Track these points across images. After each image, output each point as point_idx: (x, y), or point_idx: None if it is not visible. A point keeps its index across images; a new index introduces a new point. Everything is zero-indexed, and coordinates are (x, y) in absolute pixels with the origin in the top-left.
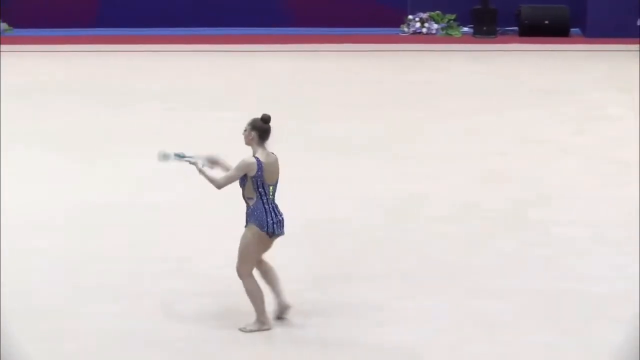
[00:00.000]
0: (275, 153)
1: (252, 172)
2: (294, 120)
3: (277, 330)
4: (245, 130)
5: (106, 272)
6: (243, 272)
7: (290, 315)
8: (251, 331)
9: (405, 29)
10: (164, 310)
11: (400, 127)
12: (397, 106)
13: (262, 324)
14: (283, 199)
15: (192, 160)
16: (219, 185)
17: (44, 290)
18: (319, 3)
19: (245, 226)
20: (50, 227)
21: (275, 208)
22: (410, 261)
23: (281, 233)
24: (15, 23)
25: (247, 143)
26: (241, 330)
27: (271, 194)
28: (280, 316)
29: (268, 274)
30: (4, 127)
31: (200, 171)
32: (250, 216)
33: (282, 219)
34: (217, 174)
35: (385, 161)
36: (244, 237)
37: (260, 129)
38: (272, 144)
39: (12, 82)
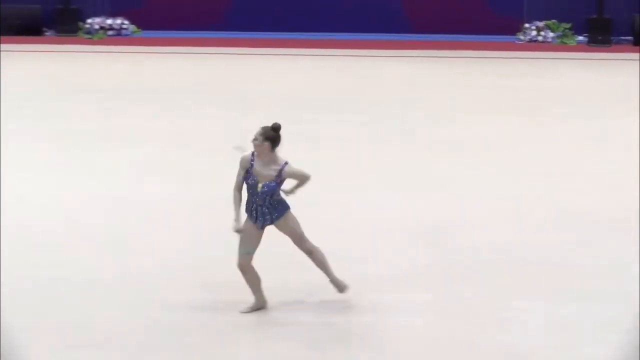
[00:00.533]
0: (288, 161)
1: (247, 166)
2: (407, 123)
3: None
4: (256, 140)
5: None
6: (309, 244)
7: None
8: (248, 312)
9: (522, 37)
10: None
11: (513, 132)
12: (510, 111)
13: (258, 303)
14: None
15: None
16: (235, 197)
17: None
18: (435, 10)
19: (277, 219)
20: (170, 222)
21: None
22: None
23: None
24: (143, 25)
25: (259, 152)
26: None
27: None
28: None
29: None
30: (139, 127)
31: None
32: (280, 207)
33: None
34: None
35: (500, 165)
36: (292, 223)
37: (272, 139)
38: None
39: (141, 83)
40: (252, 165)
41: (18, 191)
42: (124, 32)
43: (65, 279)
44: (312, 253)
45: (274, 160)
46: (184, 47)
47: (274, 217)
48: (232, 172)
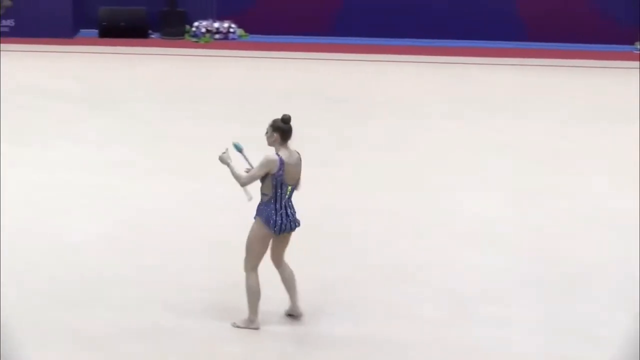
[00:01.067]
0: (299, 152)
1: (274, 170)
2: (518, 129)
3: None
4: (267, 132)
5: None
6: (246, 265)
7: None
8: (238, 327)
9: (639, 46)
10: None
11: (623, 142)
12: (625, 121)
13: (251, 322)
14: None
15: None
16: (243, 182)
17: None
18: (551, 18)
19: (254, 218)
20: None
21: (288, 208)
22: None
23: (291, 229)
24: (251, 29)
25: (270, 144)
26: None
27: (288, 193)
28: (291, 313)
29: (287, 280)
30: (241, 132)
31: (230, 166)
32: (261, 211)
33: (294, 217)
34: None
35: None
36: (251, 230)
37: (281, 130)
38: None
39: (246, 88)
40: (281, 167)
41: (122, 193)
42: (231, 36)
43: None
44: (244, 270)
45: (287, 153)
46: (292, 52)
47: (255, 214)
48: (345, 181)
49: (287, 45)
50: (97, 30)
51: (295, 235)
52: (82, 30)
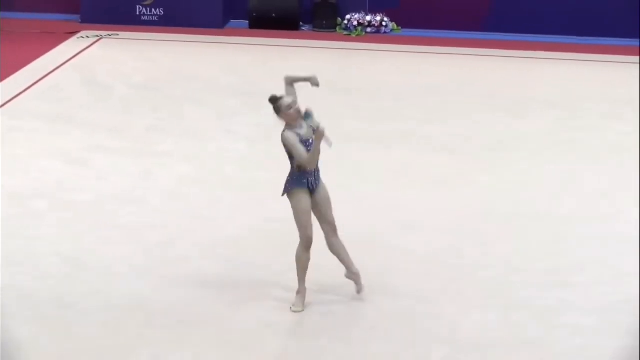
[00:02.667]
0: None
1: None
2: None
3: None
4: (295, 104)
5: None
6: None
7: None
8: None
9: None
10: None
11: None
12: None
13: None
14: None
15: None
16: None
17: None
18: None
19: (319, 185)
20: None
21: None
22: None
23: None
24: (403, 23)
25: (297, 117)
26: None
27: None
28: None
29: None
30: (396, 129)
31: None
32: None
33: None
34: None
35: None
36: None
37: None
38: None
39: (399, 83)
40: (299, 135)
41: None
42: (383, 29)
43: None
44: (337, 237)
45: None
46: (443, 47)
47: (317, 183)
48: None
49: (439, 40)
50: (247, 21)
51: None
52: (232, 21)
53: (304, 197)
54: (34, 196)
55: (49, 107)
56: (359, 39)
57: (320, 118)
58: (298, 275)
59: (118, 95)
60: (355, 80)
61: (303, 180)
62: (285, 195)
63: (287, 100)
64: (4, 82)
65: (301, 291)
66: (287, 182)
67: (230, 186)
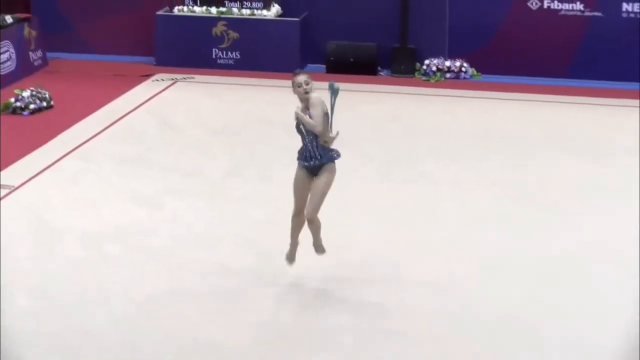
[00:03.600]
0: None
1: (325, 108)
2: None
3: None
4: (308, 84)
5: None
6: (316, 215)
7: None
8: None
9: None
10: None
11: None
12: None
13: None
14: None
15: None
16: (320, 130)
17: None
18: None
19: (324, 165)
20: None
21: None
22: None
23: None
24: (483, 69)
25: (309, 91)
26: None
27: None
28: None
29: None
30: (480, 174)
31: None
32: (329, 156)
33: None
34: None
35: None
36: (330, 175)
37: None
38: None
39: (480, 129)
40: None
41: (350, 232)
42: (462, 75)
43: None
44: (313, 222)
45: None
46: (525, 94)
47: (323, 159)
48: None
49: (520, 86)
50: (324, 66)
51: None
52: (309, 65)
53: (299, 172)
54: (107, 239)
55: (122, 150)
56: (437, 85)
57: (400, 159)
58: (291, 232)
59: (193, 139)
60: (434, 125)
61: (302, 160)
62: None
63: (299, 78)
64: (79, 124)
65: (292, 245)
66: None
67: (305, 232)
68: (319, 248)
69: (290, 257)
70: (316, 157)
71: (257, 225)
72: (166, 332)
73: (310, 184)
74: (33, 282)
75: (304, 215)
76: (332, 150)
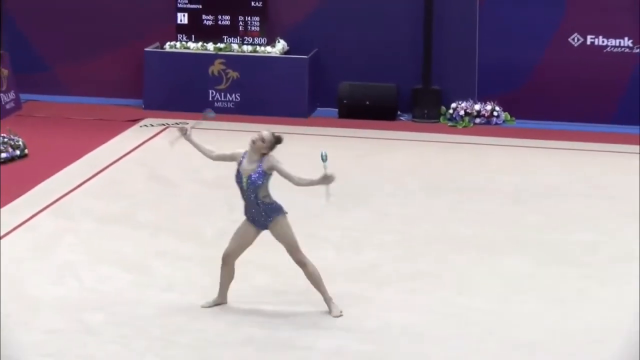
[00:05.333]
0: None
1: (237, 160)
2: None
3: None
4: (264, 141)
5: None
6: (302, 256)
7: None
8: None
9: None
10: None
11: None
12: None
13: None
14: None
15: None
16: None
17: None
18: None
19: (270, 222)
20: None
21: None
22: None
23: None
24: (517, 114)
25: (260, 150)
26: None
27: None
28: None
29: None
30: (508, 233)
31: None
32: (274, 211)
33: None
34: None
35: None
36: (284, 228)
37: (273, 146)
38: None
39: (513, 182)
40: (241, 162)
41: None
42: (494, 120)
43: None
44: (305, 266)
45: (261, 159)
46: (564, 142)
47: (268, 221)
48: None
49: (560, 134)
50: (336, 110)
51: None
52: (319, 109)
53: (243, 223)
54: (88, 308)
55: (106, 206)
56: (466, 131)
57: (423, 221)
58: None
59: (186, 194)
60: (462, 178)
61: (246, 212)
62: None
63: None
64: (56, 176)
65: (217, 297)
66: None
67: (309, 301)
68: (332, 305)
69: (210, 304)
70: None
71: (260, 293)
72: None
73: (254, 236)
74: (3, 356)
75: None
76: (273, 203)
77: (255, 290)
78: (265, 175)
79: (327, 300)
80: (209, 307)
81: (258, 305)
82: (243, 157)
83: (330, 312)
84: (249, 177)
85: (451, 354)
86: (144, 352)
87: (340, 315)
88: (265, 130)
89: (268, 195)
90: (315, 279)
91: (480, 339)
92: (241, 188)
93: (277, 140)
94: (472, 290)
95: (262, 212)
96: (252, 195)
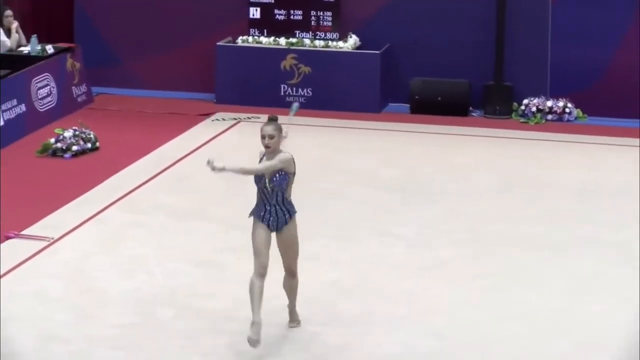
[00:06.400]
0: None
1: (293, 169)
2: None
3: None
4: (272, 137)
5: None
6: (296, 267)
7: None
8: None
9: None
10: None
11: None
12: None
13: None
14: None
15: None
16: (259, 170)
17: None
18: None
19: (290, 220)
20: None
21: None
22: None
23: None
24: (590, 110)
25: (274, 149)
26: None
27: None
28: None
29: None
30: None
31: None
32: (292, 207)
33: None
34: None
35: None
36: (295, 230)
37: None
38: None
39: (586, 179)
40: (261, 160)
41: (441, 300)
42: (566, 117)
43: None
44: (294, 277)
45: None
46: (637, 139)
47: (286, 218)
48: None
49: (633, 131)
50: (408, 105)
51: None
52: (391, 104)
53: (258, 226)
54: (158, 303)
55: (177, 200)
56: (537, 128)
57: (493, 219)
58: (252, 304)
59: (256, 189)
60: (533, 176)
61: (260, 213)
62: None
63: (266, 129)
64: (127, 170)
65: (256, 322)
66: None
67: (383, 297)
68: (294, 316)
69: (256, 338)
70: (277, 219)
71: (331, 289)
72: None
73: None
74: (73, 350)
75: (286, 274)
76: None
77: (323, 286)
78: (287, 174)
79: (292, 309)
80: (257, 338)
81: (322, 304)
82: (263, 157)
83: (290, 320)
84: (272, 180)
85: (521, 354)
86: (214, 347)
87: (298, 326)
88: (266, 129)
89: (289, 193)
90: (293, 290)
91: (550, 338)
92: (262, 189)
93: (271, 119)
94: (543, 289)
95: (284, 211)
96: (279, 197)
